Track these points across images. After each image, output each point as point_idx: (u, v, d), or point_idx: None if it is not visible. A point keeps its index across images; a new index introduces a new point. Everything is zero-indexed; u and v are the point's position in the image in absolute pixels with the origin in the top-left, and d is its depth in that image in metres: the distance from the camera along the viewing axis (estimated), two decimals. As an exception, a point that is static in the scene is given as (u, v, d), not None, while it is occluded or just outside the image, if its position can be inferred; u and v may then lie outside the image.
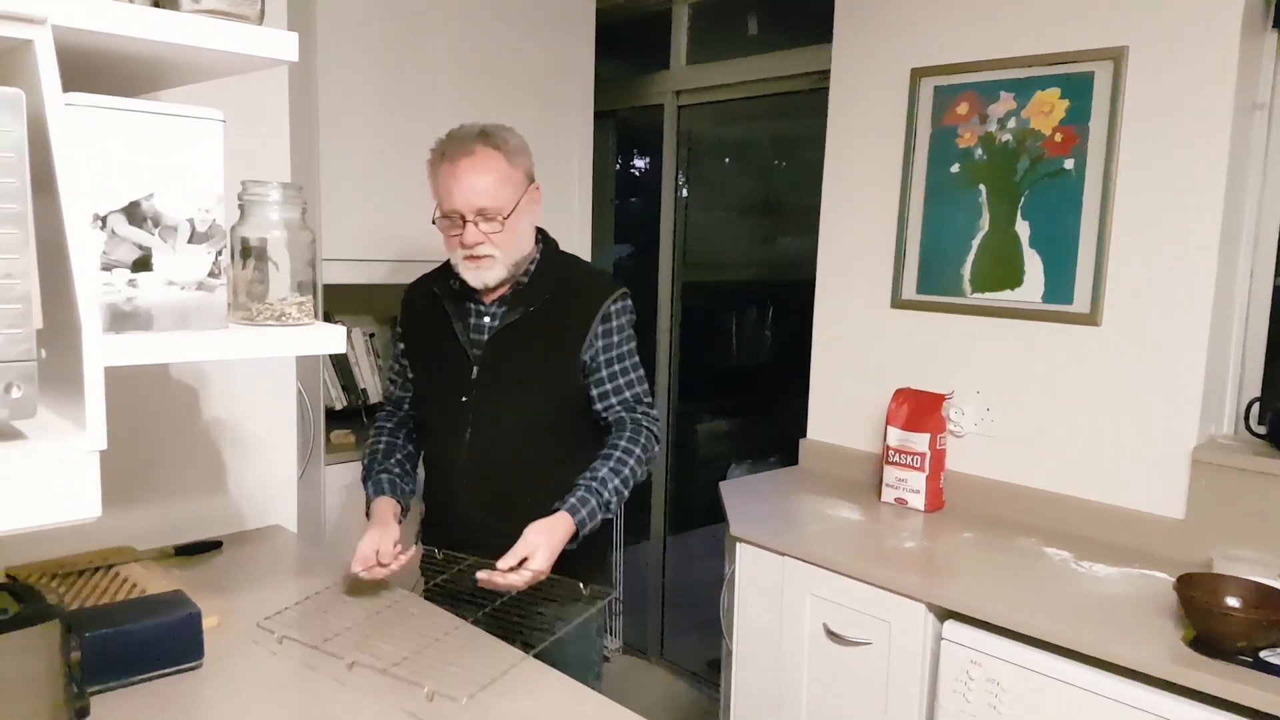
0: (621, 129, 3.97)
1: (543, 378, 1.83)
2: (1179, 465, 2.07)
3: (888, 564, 2.00)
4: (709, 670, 2.96)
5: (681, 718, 3.07)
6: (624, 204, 4.11)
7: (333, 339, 1.17)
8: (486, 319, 1.84)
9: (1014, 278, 2.32)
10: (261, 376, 2.01)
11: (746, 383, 3.88)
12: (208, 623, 1.43)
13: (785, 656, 2.15)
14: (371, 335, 3.26)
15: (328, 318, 2.86)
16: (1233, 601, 1.67)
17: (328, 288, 2.73)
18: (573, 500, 1.72)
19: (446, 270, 1.89)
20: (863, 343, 2.64)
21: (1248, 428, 2.08)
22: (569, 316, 1.83)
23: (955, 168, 2.41)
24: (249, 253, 1.13)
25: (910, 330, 2.53)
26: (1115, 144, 2.13)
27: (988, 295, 2.37)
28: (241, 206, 1.14)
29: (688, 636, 3.46)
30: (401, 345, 1.98)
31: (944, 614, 1.88)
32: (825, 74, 2.71)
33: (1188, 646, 1.60)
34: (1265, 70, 2.05)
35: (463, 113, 3.01)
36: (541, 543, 1.63)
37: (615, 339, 1.86)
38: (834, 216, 2.70)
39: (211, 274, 1.03)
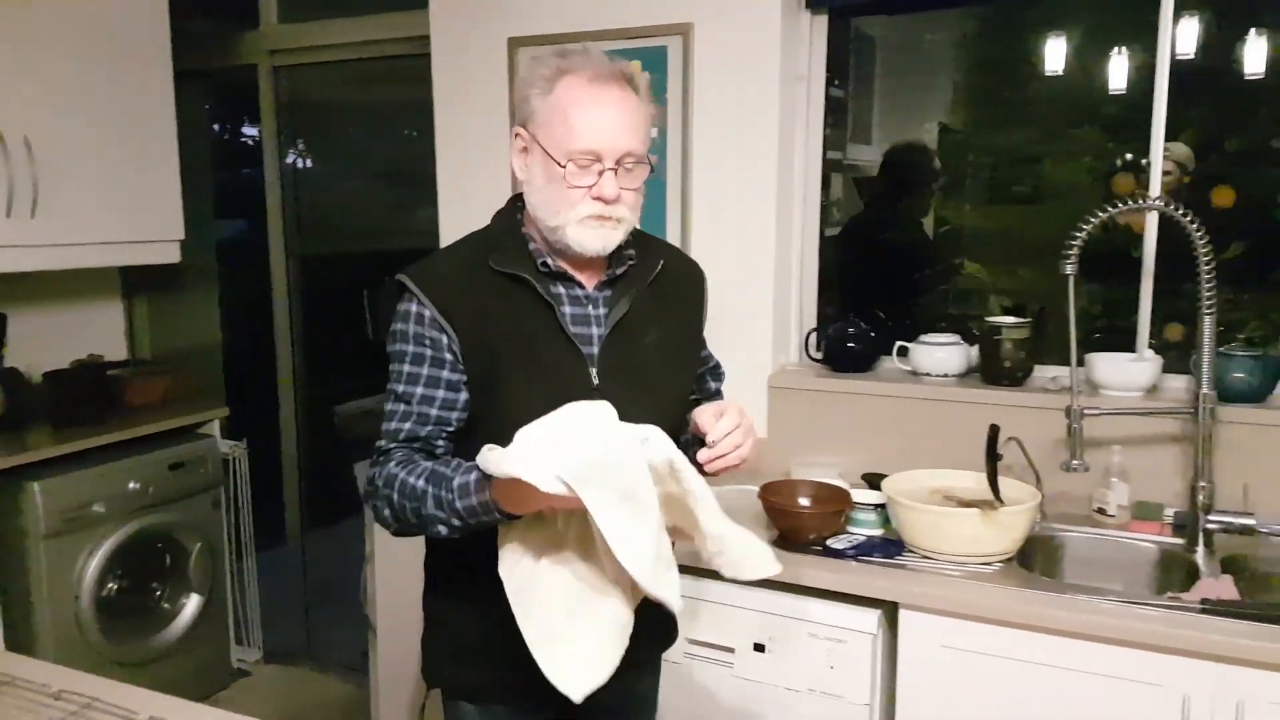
0: (220, 92, 3.67)
1: (672, 372, 1.50)
2: (760, 392, 2.37)
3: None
4: (363, 660, 2.87)
5: (331, 713, 2.97)
6: (236, 175, 3.83)
7: None
8: (590, 307, 1.41)
9: (614, 236, 2.49)
10: None
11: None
12: None
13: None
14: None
15: None
16: (804, 501, 1.95)
17: None
18: None
19: (509, 244, 1.39)
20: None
21: (809, 354, 2.43)
22: (684, 294, 1.53)
23: (555, 133, 2.52)
24: None
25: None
26: (690, 112, 2.36)
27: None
28: None
29: (341, 631, 3.34)
30: (456, 354, 1.36)
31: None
32: (427, 39, 2.70)
33: (772, 545, 1.83)
34: (803, 46, 2.37)
35: (6, 66, 2.62)
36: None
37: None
38: (451, 183, 2.72)
39: None
